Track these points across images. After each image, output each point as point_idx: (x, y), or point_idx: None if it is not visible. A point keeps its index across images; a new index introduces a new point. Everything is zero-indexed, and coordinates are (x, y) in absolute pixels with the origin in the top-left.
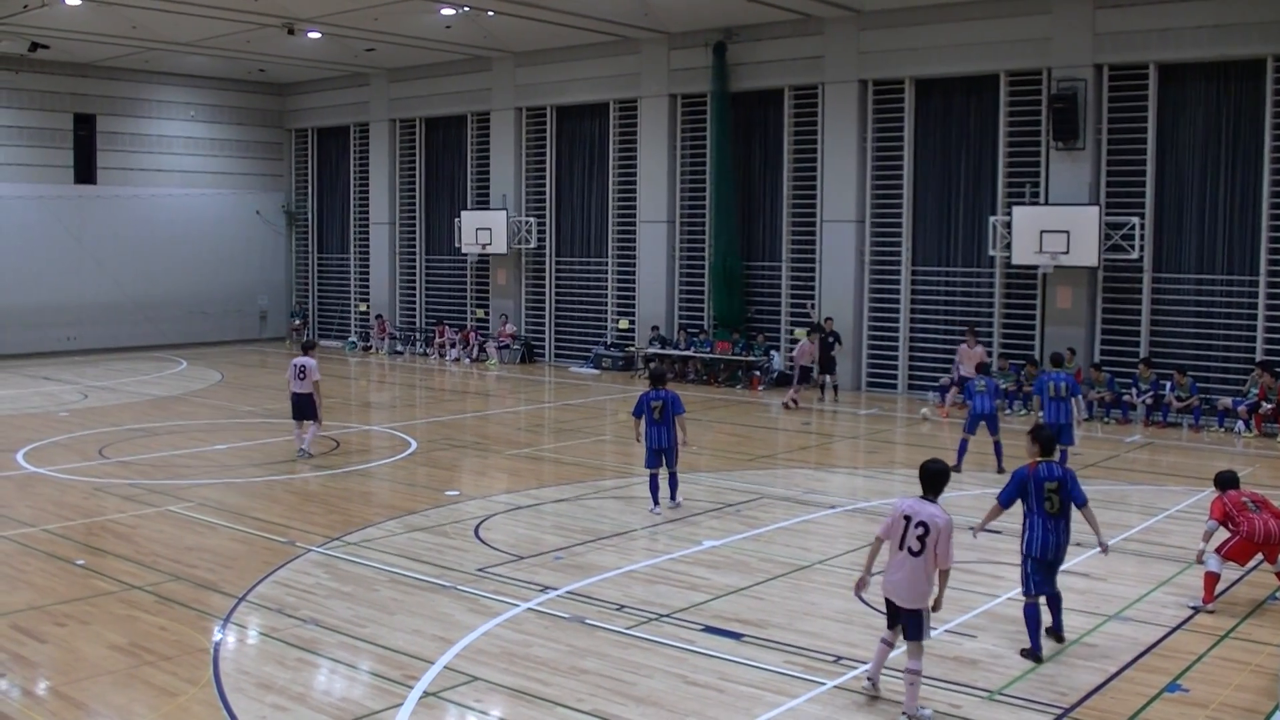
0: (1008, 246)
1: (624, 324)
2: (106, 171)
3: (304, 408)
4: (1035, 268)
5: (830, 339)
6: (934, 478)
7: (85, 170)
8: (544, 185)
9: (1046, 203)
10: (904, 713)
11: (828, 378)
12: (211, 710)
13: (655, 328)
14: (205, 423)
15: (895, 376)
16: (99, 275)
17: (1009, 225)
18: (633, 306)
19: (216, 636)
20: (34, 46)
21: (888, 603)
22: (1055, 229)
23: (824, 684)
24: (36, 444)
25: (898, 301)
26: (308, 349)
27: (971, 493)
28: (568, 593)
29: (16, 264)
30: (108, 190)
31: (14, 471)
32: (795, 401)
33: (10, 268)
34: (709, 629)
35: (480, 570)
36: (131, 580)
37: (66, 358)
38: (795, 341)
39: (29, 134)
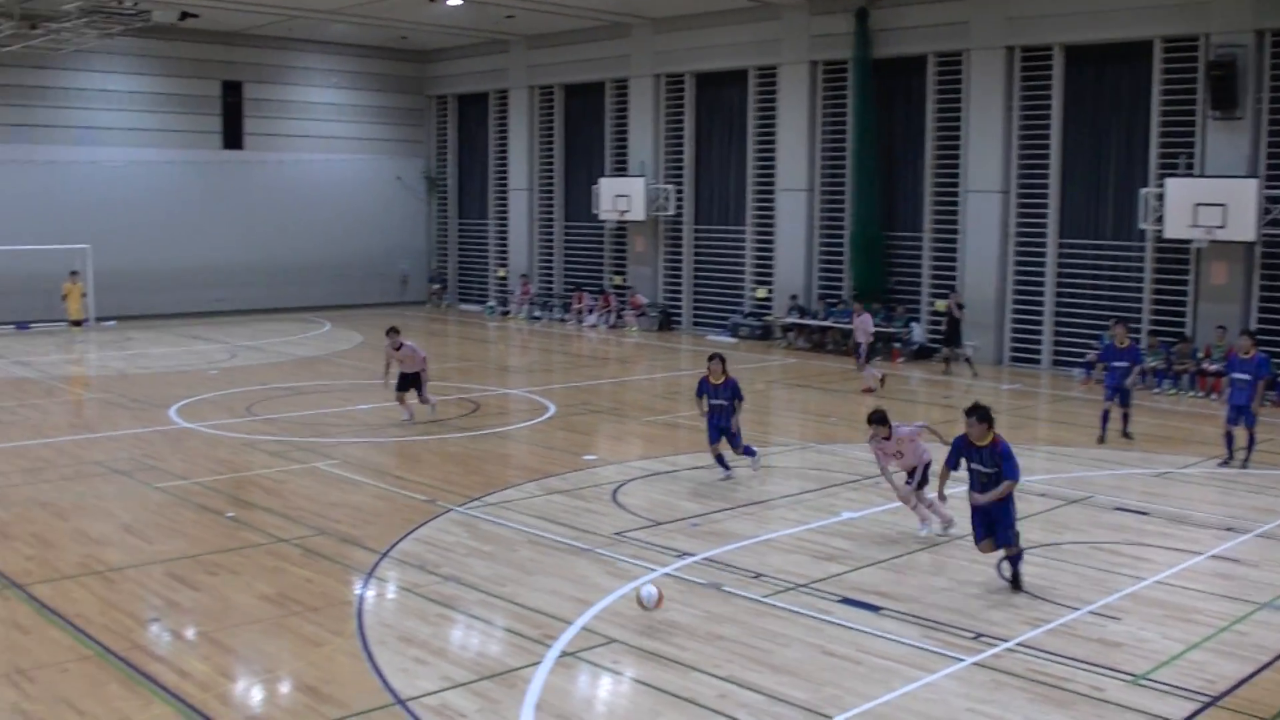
0: (1160, 219)
1: (762, 292)
2: (253, 137)
3: (411, 381)
4: (1189, 242)
5: (958, 312)
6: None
7: (233, 136)
8: (682, 152)
9: (1202, 174)
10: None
11: (957, 350)
12: (355, 661)
13: (794, 297)
14: (348, 383)
15: (1039, 351)
16: (246, 239)
17: (1161, 197)
18: (771, 275)
19: (360, 590)
20: (184, 15)
21: None
22: (1211, 202)
23: (963, 660)
24: (188, 400)
25: (1043, 275)
26: (394, 334)
27: (1114, 472)
28: (705, 559)
29: (168, 227)
30: (254, 155)
31: (167, 426)
32: (880, 382)
33: (162, 231)
34: (847, 600)
35: (617, 534)
36: (279, 533)
37: (215, 318)
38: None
39: (179, 101)
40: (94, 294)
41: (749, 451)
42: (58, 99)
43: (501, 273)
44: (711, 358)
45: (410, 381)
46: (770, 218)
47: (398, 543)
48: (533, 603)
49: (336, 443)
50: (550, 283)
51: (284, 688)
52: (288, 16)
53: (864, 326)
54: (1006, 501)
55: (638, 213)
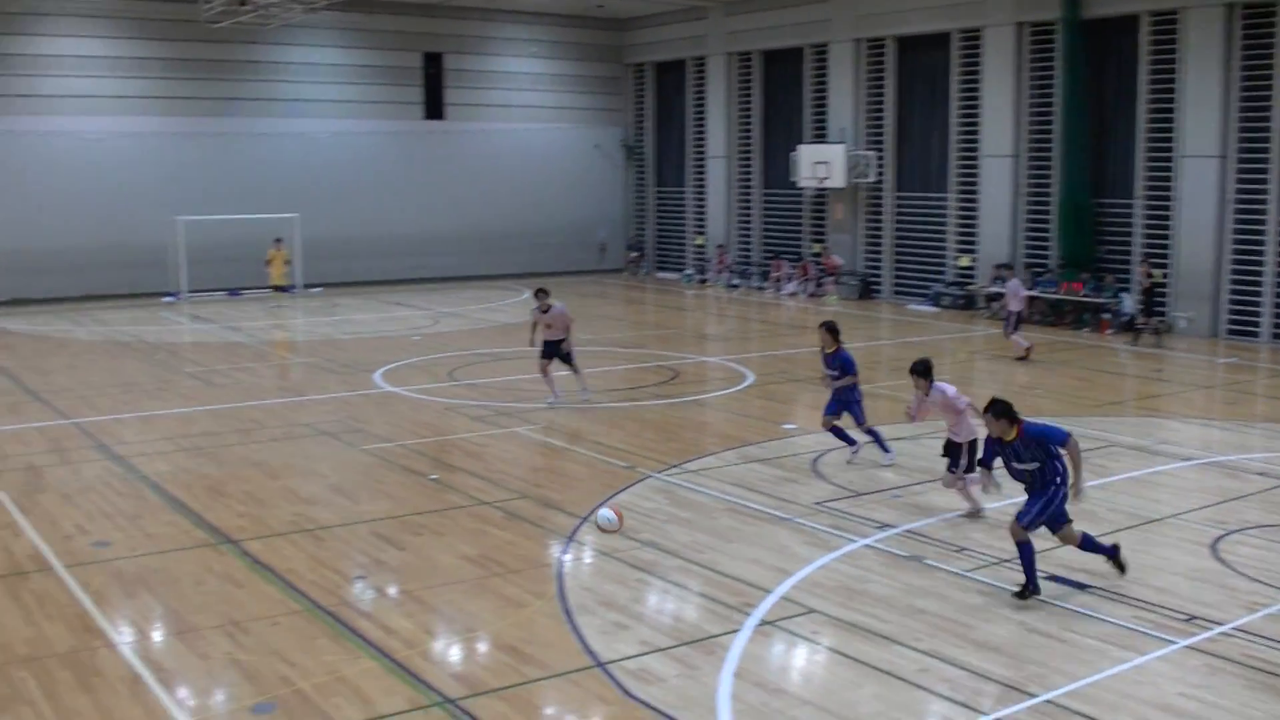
0: None
1: (965, 261)
2: (453, 108)
3: (555, 349)
4: None
5: (1146, 280)
6: None
7: (434, 106)
8: (883, 118)
9: None
10: None
11: (1149, 321)
12: (555, 623)
13: (998, 266)
14: None
15: (1258, 323)
16: (446, 208)
17: None
18: (974, 243)
19: (561, 554)
20: None
21: None
22: None
23: (1175, 643)
24: (391, 365)
25: (1263, 243)
26: (542, 295)
27: None
28: (906, 531)
29: (371, 197)
30: (454, 126)
31: (372, 390)
32: (1027, 352)
33: (365, 200)
34: (1053, 578)
35: (817, 504)
36: (481, 496)
37: (416, 285)
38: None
39: (381, 72)
40: (301, 262)
41: (848, 440)
42: (265, 73)
43: (699, 240)
44: (820, 325)
45: (554, 350)
46: (974, 185)
47: (598, 507)
48: (732, 570)
49: (537, 408)
50: (748, 251)
51: (486, 647)
52: None
53: (1014, 293)
54: (1048, 486)
55: (837, 180)
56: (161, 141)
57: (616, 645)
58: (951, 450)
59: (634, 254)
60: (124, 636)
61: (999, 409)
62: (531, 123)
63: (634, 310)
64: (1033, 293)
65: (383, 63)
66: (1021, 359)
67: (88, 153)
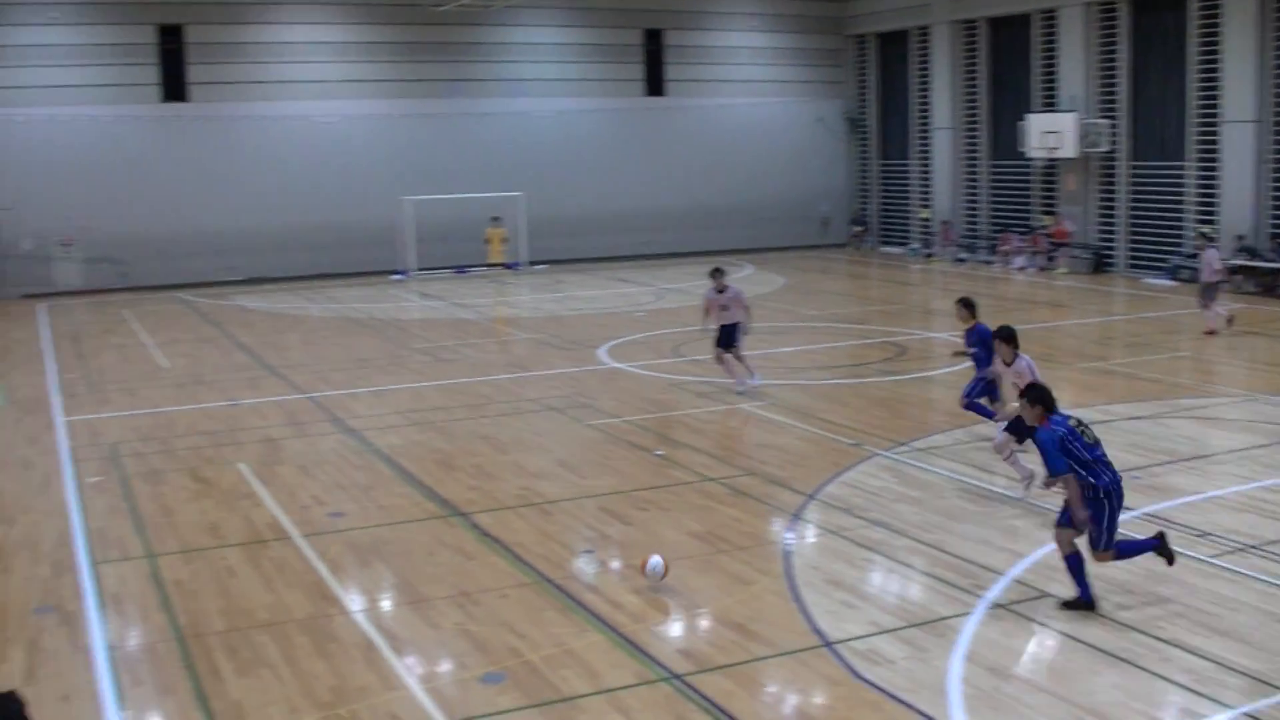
0: None
1: (1207, 230)
2: (674, 84)
3: (731, 335)
4: None
5: None
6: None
7: (654, 83)
8: (1116, 84)
9: None
10: None
11: None
12: (782, 601)
13: (1240, 237)
14: (772, 325)
15: None
16: (668, 184)
17: None
18: (1214, 214)
19: (787, 531)
20: None
21: None
22: None
23: None
24: (616, 341)
25: None
26: (718, 274)
27: None
28: (1145, 514)
29: (593, 174)
30: (675, 102)
31: (597, 366)
32: (1228, 322)
33: (587, 178)
34: None
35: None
36: (707, 472)
37: (640, 261)
38: None
39: (602, 50)
40: (525, 239)
41: (988, 414)
42: (488, 54)
43: (925, 214)
44: (956, 301)
45: (731, 336)
46: (1214, 152)
47: (824, 485)
48: (962, 551)
49: (761, 384)
50: (975, 224)
51: (712, 623)
52: None
53: (1209, 263)
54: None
55: (1068, 150)
56: (389, 124)
57: (844, 625)
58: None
59: (858, 228)
60: (358, 604)
61: (1034, 394)
62: (753, 97)
63: (858, 285)
64: (1277, 264)
65: (603, 40)
66: (1211, 333)
67: (319, 136)
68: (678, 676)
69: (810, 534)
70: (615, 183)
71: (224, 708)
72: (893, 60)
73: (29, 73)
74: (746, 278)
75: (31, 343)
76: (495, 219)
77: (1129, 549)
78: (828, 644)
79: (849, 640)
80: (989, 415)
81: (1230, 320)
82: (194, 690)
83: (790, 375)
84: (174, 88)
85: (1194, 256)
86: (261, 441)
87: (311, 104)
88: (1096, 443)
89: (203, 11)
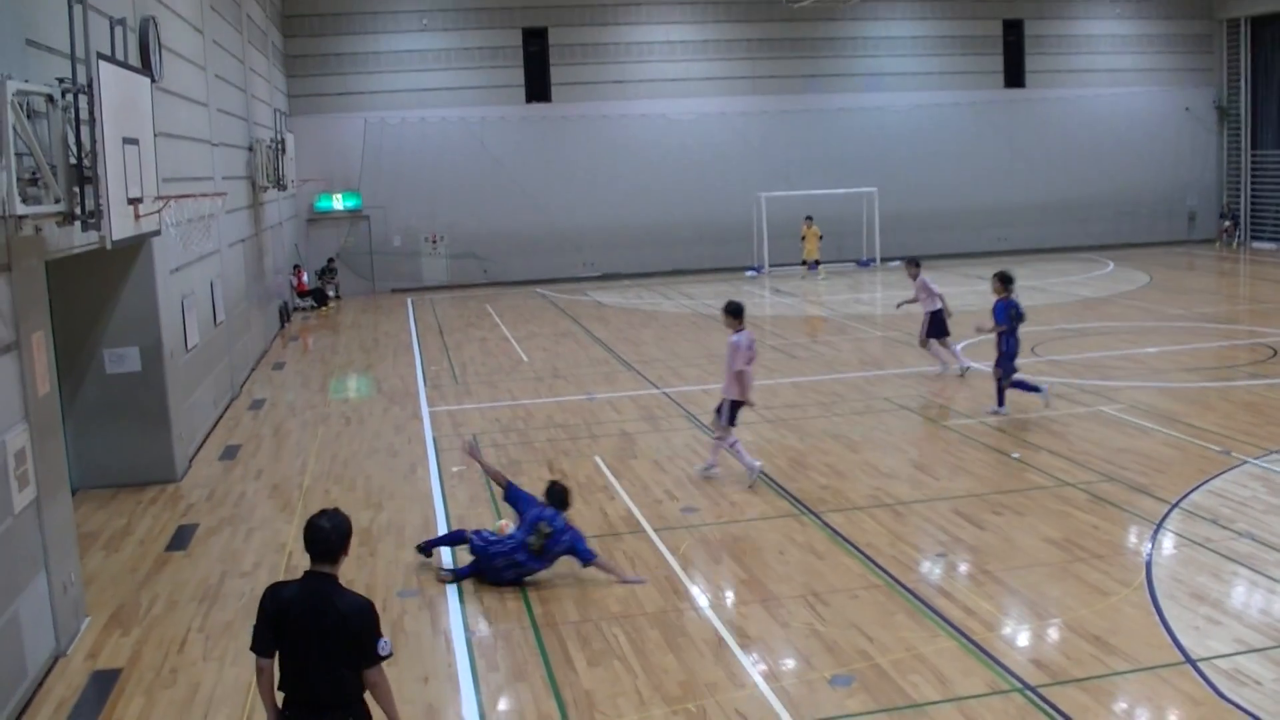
0: None
1: None
2: (1034, 74)
3: (940, 321)
4: None
5: None
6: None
7: (1014, 74)
8: None
9: None
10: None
11: None
12: (1143, 614)
13: None
14: (1134, 325)
15: None
16: (1026, 178)
17: None
18: None
19: (1148, 541)
20: None
21: None
22: None
23: None
24: (971, 340)
25: None
26: (914, 264)
27: None
28: None
29: (949, 169)
30: (1035, 93)
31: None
32: None
33: (943, 172)
34: None
35: None
36: (1064, 477)
37: (998, 257)
38: None
39: (960, 43)
40: (879, 235)
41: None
42: (844, 49)
43: None
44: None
45: (940, 323)
46: None
47: (1189, 494)
48: None
49: (1122, 386)
50: None
51: (1068, 634)
52: None
53: None
54: None
55: None
56: (745, 121)
57: (1208, 642)
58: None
59: (1227, 223)
60: (708, 600)
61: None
62: (1115, 87)
63: (1227, 283)
64: None
65: (962, 33)
66: None
67: (676, 134)
68: (1031, 687)
69: (1173, 544)
70: (971, 177)
71: (575, 696)
72: (1267, 44)
73: (401, 77)
74: (1108, 275)
75: (400, 335)
76: (808, 218)
77: None
78: (1190, 661)
79: (1213, 658)
80: (1035, 389)
81: None
82: (547, 678)
83: (1154, 377)
84: (537, 88)
85: None
86: (616, 435)
87: (669, 102)
88: None
89: (565, 14)
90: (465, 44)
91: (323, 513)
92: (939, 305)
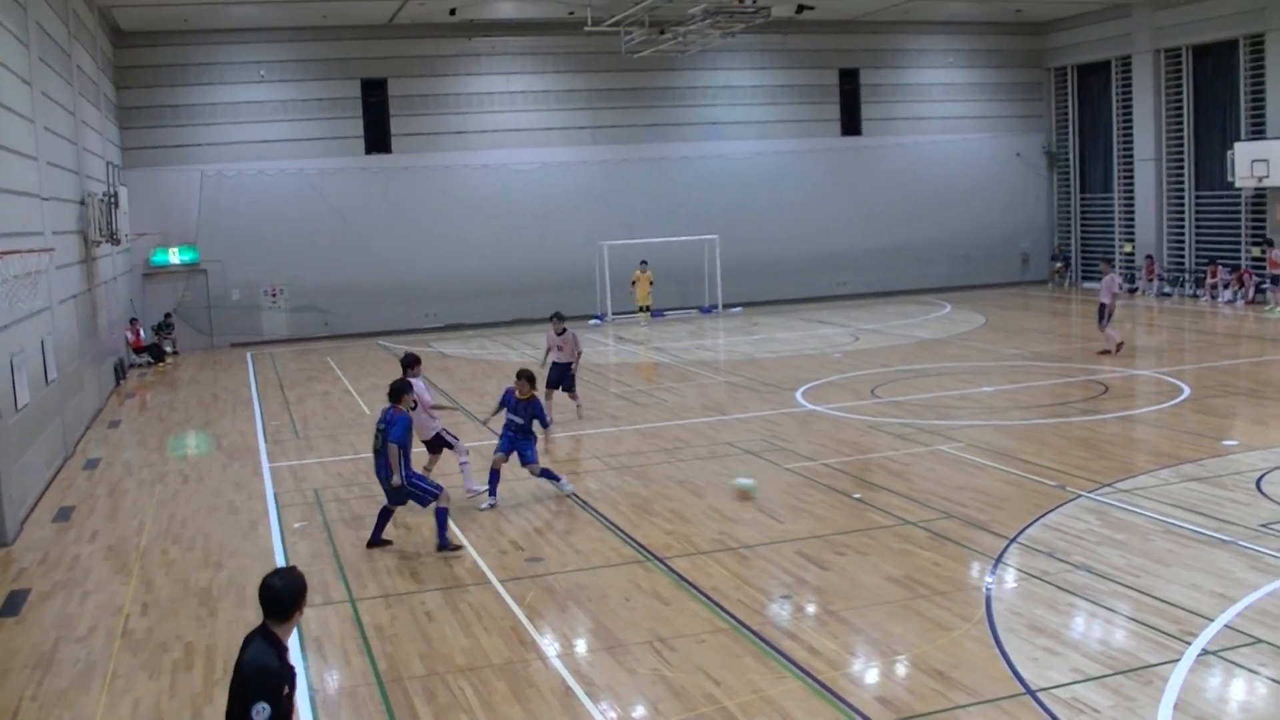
0: None
1: (1123, 251)
2: (870, 122)
3: (565, 374)
4: None
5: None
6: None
7: (850, 122)
8: None
9: None
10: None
11: None
12: (984, 648)
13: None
14: (971, 364)
15: None
16: (864, 223)
17: None
18: None
19: (988, 576)
20: (800, 9)
21: None
22: None
23: None
24: (813, 383)
25: None
26: (558, 319)
27: None
28: None
29: (789, 215)
30: (871, 141)
31: (794, 409)
32: (1118, 347)
33: (783, 219)
34: None
35: (1263, 526)
36: (905, 515)
37: (837, 302)
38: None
39: (798, 91)
40: (721, 281)
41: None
42: (684, 98)
43: (1127, 248)
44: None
45: (563, 375)
46: None
47: (1026, 528)
48: (1169, 596)
49: (960, 425)
50: (1181, 258)
51: (911, 670)
52: (903, 0)
53: (1109, 287)
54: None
55: (1279, 178)
56: (586, 170)
57: (1047, 672)
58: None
59: (1058, 264)
60: (555, 649)
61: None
62: (949, 134)
63: (1059, 322)
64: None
65: (800, 82)
66: (1105, 352)
67: (517, 183)
68: None
69: (1011, 578)
70: (811, 223)
71: None
72: (1093, 92)
73: (239, 129)
74: (946, 316)
75: (239, 390)
76: (643, 263)
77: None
78: (1030, 692)
79: (1052, 688)
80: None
81: (1119, 347)
82: None
83: (991, 416)
84: (377, 139)
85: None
86: (460, 486)
87: (510, 152)
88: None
89: (405, 65)
90: (303, 95)
91: (276, 571)
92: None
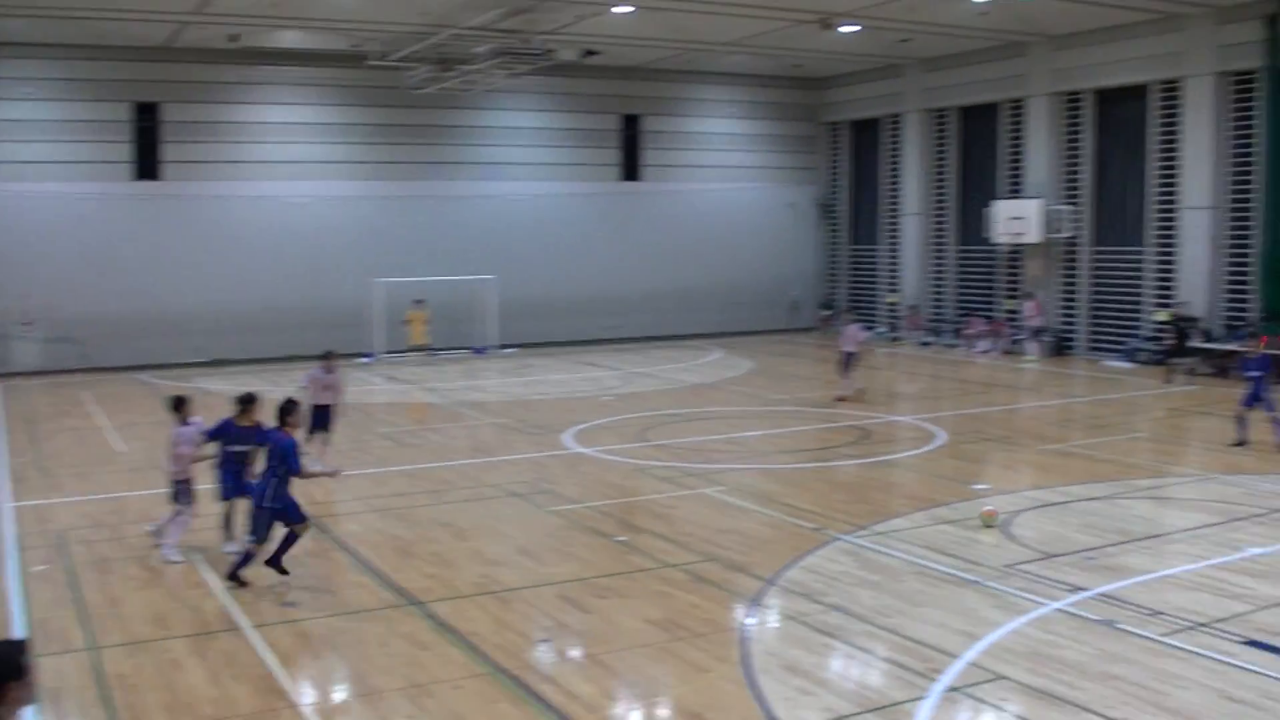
0: None
1: (1162, 315)
2: (649, 169)
3: (327, 415)
4: None
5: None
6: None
7: (630, 168)
8: (1079, 172)
9: None
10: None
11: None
12: (738, 688)
13: (1194, 319)
14: (738, 409)
15: None
16: (640, 267)
17: None
18: (1171, 297)
19: (746, 617)
20: (587, 54)
21: None
22: None
23: None
24: (582, 426)
25: None
26: (329, 358)
27: None
28: (1099, 595)
29: (566, 257)
30: (650, 187)
31: (562, 451)
32: (858, 394)
33: (561, 261)
34: (1252, 643)
35: (1008, 566)
36: (667, 558)
37: (609, 345)
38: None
39: (580, 135)
40: (497, 322)
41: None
42: (466, 137)
43: (892, 298)
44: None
45: (326, 417)
46: (1172, 237)
47: (785, 570)
48: (919, 635)
49: (726, 469)
50: (941, 308)
51: (668, 713)
52: (686, 50)
53: (854, 336)
54: None
55: (1033, 235)
56: (363, 205)
57: (800, 712)
58: None
59: (826, 312)
60: (307, 698)
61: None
62: (726, 183)
63: (825, 369)
64: (1230, 346)
65: (582, 125)
66: (842, 399)
67: (291, 217)
68: None
69: (769, 619)
70: (588, 266)
71: None
72: (865, 147)
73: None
74: (715, 361)
75: None
76: (418, 301)
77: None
78: None
79: None
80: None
81: (857, 394)
82: None
83: (756, 459)
84: (147, 166)
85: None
86: (216, 528)
87: (285, 184)
88: None
89: (179, 90)
90: (71, 116)
91: None
92: (332, 401)
